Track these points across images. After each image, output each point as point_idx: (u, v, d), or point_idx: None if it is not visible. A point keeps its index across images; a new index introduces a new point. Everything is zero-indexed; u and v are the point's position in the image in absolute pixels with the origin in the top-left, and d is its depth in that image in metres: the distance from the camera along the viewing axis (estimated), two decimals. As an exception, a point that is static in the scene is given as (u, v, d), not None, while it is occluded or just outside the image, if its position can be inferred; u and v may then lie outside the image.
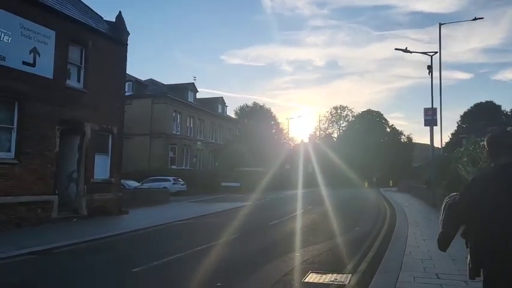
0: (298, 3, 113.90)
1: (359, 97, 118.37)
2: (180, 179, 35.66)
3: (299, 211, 18.36)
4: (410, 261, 7.46)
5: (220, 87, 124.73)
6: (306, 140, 72.94)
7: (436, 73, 44.53)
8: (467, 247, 3.00)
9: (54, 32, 14.27)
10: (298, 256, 8.39)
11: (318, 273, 6.86)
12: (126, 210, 17.90)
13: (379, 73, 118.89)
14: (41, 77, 13.83)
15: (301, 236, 11.19)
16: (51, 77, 14.25)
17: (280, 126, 69.06)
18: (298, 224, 13.76)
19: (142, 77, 50.46)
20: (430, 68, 19.91)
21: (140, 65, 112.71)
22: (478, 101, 65.08)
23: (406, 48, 20.53)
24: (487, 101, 64.54)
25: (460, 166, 12.34)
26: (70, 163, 15.69)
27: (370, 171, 65.07)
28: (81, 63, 15.84)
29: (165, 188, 34.18)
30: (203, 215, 17.60)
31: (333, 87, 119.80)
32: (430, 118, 23.87)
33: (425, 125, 24.22)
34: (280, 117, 68.34)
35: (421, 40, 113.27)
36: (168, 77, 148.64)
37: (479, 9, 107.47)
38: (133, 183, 28.58)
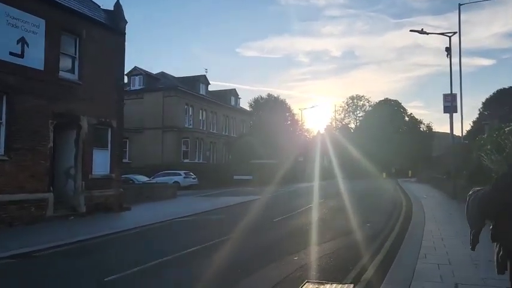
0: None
1: (377, 87, 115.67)
2: (191, 173, 35.02)
3: (308, 205, 17.35)
4: (425, 267, 6.42)
5: (236, 80, 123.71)
6: (323, 132, 71.62)
7: (456, 59, 42.62)
8: (493, 241, 2.94)
9: (44, 20, 13.51)
10: (296, 260, 7.43)
11: (314, 283, 5.89)
12: (129, 206, 17.22)
13: (397, 62, 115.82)
14: (31, 69, 13.13)
15: (304, 234, 10.21)
16: (42, 69, 13.53)
17: (296, 118, 67.93)
18: (304, 221, 12.76)
19: (158, 71, 49.69)
20: (448, 50, 18.51)
21: (154, 59, 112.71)
22: (501, 87, 62.25)
23: (422, 29, 19.16)
24: (511, 87, 61.65)
25: (483, 154, 11.09)
26: (67, 159, 15.04)
27: (388, 162, 63.31)
28: (75, 54, 15.10)
29: (176, 182, 33.66)
30: (207, 211, 16.79)
31: (351, 77, 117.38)
32: (450, 104, 22.55)
33: (444, 111, 23.00)
34: (297, 109, 66.84)
35: (440, 27, 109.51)
36: (183, 71, 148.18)
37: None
38: (142, 178, 27.98)
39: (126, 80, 46.94)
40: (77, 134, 15.09)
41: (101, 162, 15.99)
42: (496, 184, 2.89)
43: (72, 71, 15.03)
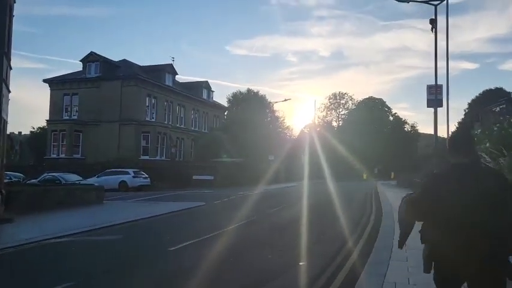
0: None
1: (365, 88, 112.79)
2: (143, 172, 30.64)
3: (250, 219, 13.24)
4: None
5: (225, 78, 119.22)
6: (304, 129, 67.74)
7: (442, 63, 39.53)
8: (422, 243, 3.02)
9: None
10: None
11: None
12: (11, 217, 12.98)
13: (385, 63, 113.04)
14: None
15: (193, 285, 6.08)
16: None
17: (276, 115, 64.23)
18: (216, 249, 8.50)
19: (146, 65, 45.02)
20: (433, 22, 14.64)
21: (141, 53, 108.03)
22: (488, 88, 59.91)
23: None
24: (497, 88, 59.28)
25: (484, 155, 7.16)
26: None
27: (371, 162, 59.75)
28: None
29: (124, 182, 29.44)
30: (112, 226, 12.54)
31: (339, 77, 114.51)
32: (434, 98, 19.05)
33: (428, 106, 19.66)
34: (285, 108, 63.47)
35: (427, 30, 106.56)
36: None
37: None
38: (72, 177, 23.60)
39: (81, 67, 42.51)
40: None
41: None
42: (417, 194, 2.97)
43: None
